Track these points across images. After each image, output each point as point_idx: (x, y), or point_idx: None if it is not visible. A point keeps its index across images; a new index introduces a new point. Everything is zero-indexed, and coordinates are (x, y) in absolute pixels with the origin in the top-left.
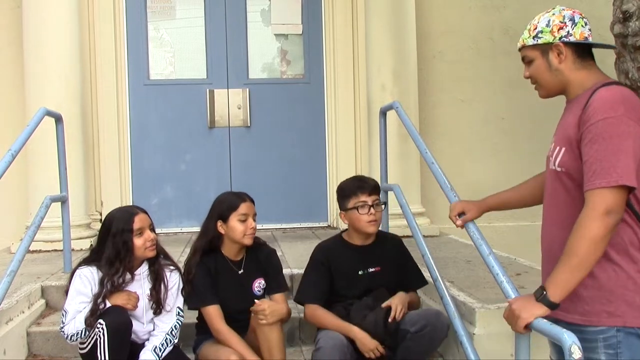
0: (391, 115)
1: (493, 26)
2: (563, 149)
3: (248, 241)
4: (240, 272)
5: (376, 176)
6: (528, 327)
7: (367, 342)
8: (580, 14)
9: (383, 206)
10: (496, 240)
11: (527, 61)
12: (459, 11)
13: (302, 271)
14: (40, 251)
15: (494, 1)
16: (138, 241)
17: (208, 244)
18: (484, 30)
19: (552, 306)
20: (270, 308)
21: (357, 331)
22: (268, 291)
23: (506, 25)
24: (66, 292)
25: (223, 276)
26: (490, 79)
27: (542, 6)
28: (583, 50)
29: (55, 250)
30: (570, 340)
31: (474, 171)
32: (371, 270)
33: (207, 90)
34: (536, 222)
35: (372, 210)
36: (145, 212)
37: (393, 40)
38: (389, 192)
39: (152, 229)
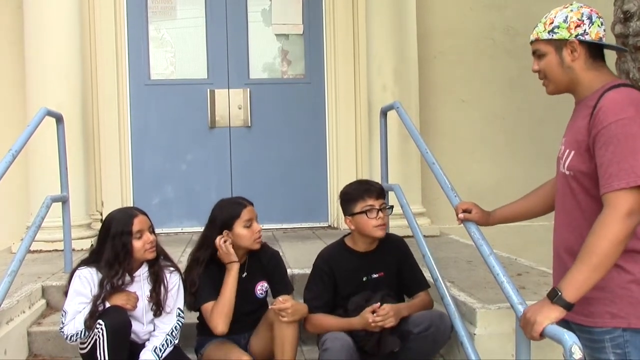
0: (392, 115)
1: (494, 26)
2: (572, 153)
3: (257, 245)
4: (243, 275)
5: (377, 176)
6: (543, 334)
7: (366, 317)
8: (597, 13)
9: (389, 210)
10: (497, 240)
11: (539, 55)
12: (460, 11)
13: (302, 271)
14: (41, 251)
15: (495, 1)
16: (137, 243)
17: (212, 254)
18: (485, 30)
19: (568, 307)
20: (293, 307)
21: (355, 320)
22: (274, 294)
23: (507, 25)
24: (65, 293)
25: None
26: (491, 79)
27: (543, 6)
28: (596, 51)
29: (56, 250)
30: (570, 340)
31: (475, 171)
32: (375, 276)
33: (208, 90)
34: (536, 222)
35: (380, 214)
36: (145, 214)
37: (394, 40)
38: (389, 192)
39: (152, 231)
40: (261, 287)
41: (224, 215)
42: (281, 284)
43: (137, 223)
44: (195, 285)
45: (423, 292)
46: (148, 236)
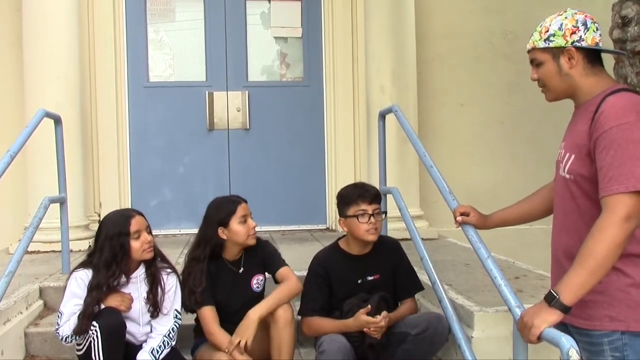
0: (390, 118)
1: (493, 30)
2: (572, 157)
3: (252, 241)
4: (240, 271)
5: (375, 179)
6: (540, 338)
7: (360, 319)
8: (592, 19)
9: (383, 215)
10: (494, 243)
11: (536, 64)
12: (459, 14)
13: (300, 273)
14: (38, 252)
15: (494, 5)
16: (135, 244)
17: (210, 252)
18: (484, 33)
19: (566, 310)
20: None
21: (350, 322)
22: (271, 272)
23: (506, 29)
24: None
25: (223, 278)
26: (490, 83)
27: (542, 10)
28: (594, 56)
29: (54, 251)
30: (568, 344)
31: (473, 174)
32: (370, 278)
33: (207, 92)
34: (534, 225)
35: (372, 219)
36: (142, 215)
37: (392, 44)
38: (387, 195)
39: (149, 231)
40: (257, 281)
41: (220, 213)
42: (275, 262)
43: (135, 223)
44: (202, 285)
45: (410, 299)
46: (146, 236)
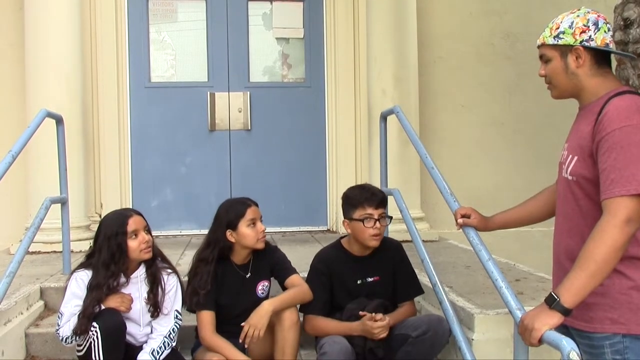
0: (391, 119)
1: (494, 31)
2: (575, 158)
3: (261, 245)
4: (247, 275)
5: (376, 180)
6: (541, 340)
7: (366, 324)
8: (605, 19)
9: (389, 220)
10: (495, 245)
11: (545, 59)
12: (460, 16)
13: (301, 275)
14: (39, 252)
15: (495, 7)
16: (133, 243)
17: (218, 254)
18: (485, 35)
19: (567, 312)
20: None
21: (355, 325)
22: (280, 278)
23: (507, 30)
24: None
25: (229, 281)
26: (491, 84)
27: (543, 12)
28: (602, 57)
29: (55, 252)
30: (568, 346)
31: (474, 176)
32: (370, 280)
33: (208, 93)
34: (535, 228)
35: (377, 224)
36: (140, 214)
37: (394, 45)
38: (388, 197)
39: (148, 231)
40: (262, 287)
41: (229, 215)
42: (285, 269)
43: (132, 223)
44: (206, 287)
45: (409, 302)
46: (144, 236)
